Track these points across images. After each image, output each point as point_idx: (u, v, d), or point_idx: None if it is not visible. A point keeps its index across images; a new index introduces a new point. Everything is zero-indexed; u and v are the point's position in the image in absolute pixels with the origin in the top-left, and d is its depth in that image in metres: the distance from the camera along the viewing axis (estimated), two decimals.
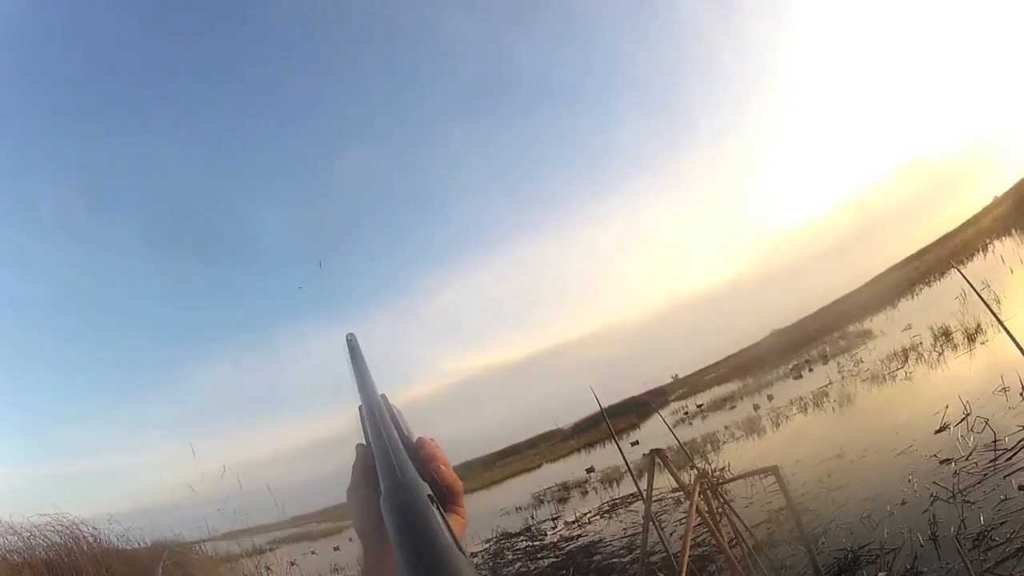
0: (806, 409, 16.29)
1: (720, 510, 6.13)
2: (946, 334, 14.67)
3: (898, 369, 14.93)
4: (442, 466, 0.85)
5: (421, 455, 0.86)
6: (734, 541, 6.08)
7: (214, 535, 12.23)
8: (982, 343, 12.93)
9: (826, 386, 17.57)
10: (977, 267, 22.00)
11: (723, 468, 12.31)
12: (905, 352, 15.70)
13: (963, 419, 9.04)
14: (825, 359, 24.09)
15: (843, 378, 17.75)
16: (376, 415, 0.91)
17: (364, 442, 0.92)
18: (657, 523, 5.04)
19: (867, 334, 24.60)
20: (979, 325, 13.50)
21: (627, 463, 7.24)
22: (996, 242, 24.71)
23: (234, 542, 12.53)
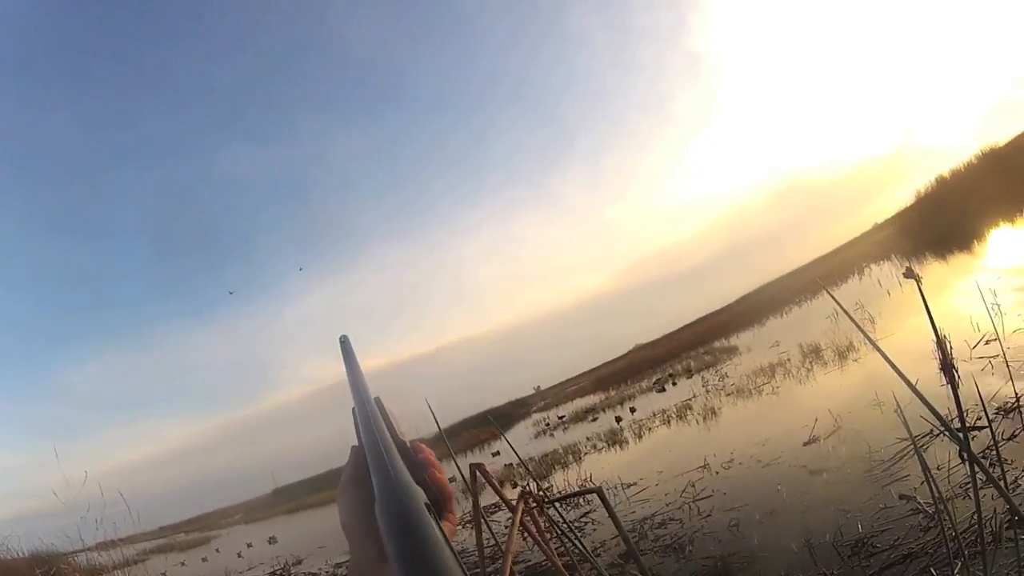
0: (669, 422, 16.31)
1: (547, 527, 5.74)
2: (815, 351, 15.02)
3: (764, 384, 15.15)
4: (436, 471, 0.87)
5: (415, 459, 0.87)
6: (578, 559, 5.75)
7: (87, 546, 12.02)
8: (854, 360, 13.25)
9: (690, 399, 17.72)
10: (852, 289, 23.02)
11: (548, 487, 12.10)
12: (772, 368, 15.99)
13: (834, 432, 9.07)
14: (690, 373, 24.56)
15: (707, 392, 17.94)
16: (370, 418, 0.90)
17: (357, 444, 0.93)
18: (493, 538, 4.74)
19: (733, 350, 25.30)
20: (851, 343, 13.87)
21: (462, 475, 6.95)
22: (874, 266, 25.99)
23: (106, 553, 12.02)
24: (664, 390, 23.77)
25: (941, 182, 27.91)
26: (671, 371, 28.14)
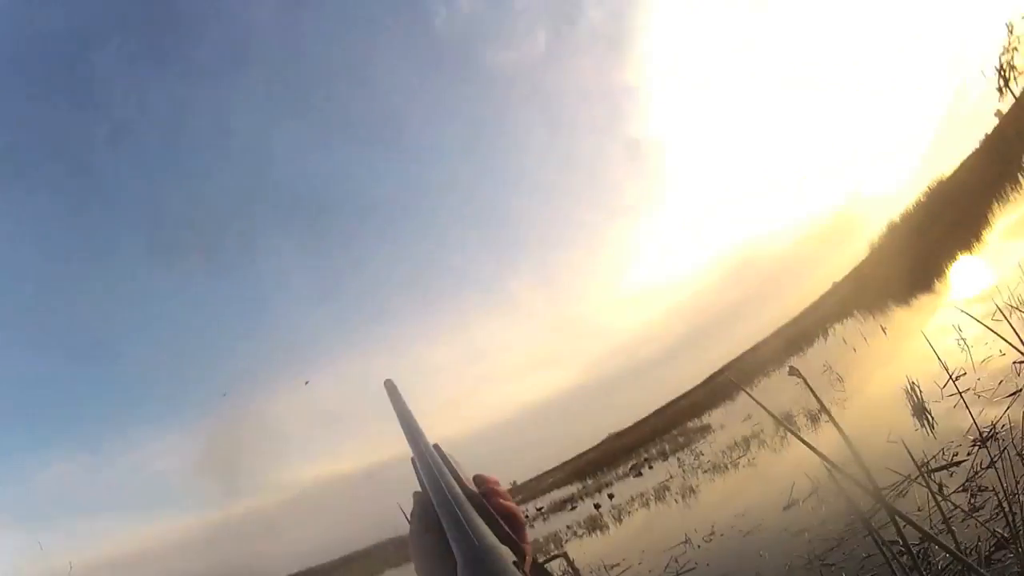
0: (648, 504, 16.13)
1: None
2: (787, 418, 14.95)
3: (740, 457, 15.01)
4: (504, 500, 0.86)
5: (481, 491, 0.86)
6: None
7: None
8: (826, 422, 13.14)
9: (667, 480, 17.57)
10: (818, 350, 23.17)
11: None
12: (746, 440, 15.90)
13: (812, 492, 8.91)
14: (665, 456, 24.44)
15: (684, 472, 17.79)
16: (435, 471, 0.87)
17: (421, 491, 0.91)
18: None
19: (707, 428, 25.27)
20: (826, 407, 13.81)
21: None
22: (837, 325, 26.25)
23: None
24: (641, 474, 23.57)
25: (892, 228, 28.43)
26: (646, 455, 27.99)
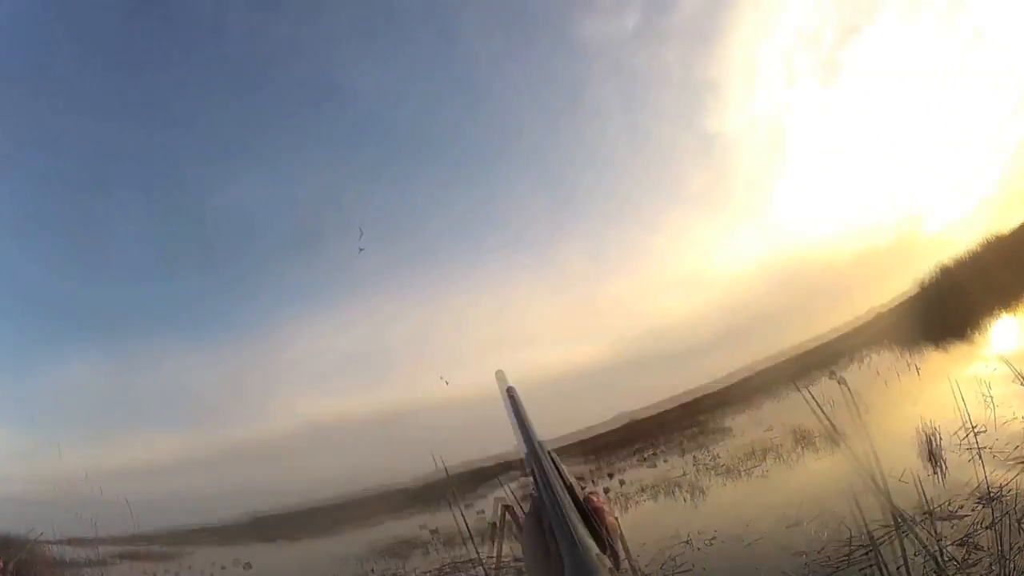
0: (656, 496, 16.15)
1: None
2: (806, 437, 14.98)
3: (755, 467, 15.05)
4: (608, 515, 0.98)
5: (588, 508, 0.95)
6: None
7: (59, 538, 12.26)
8: (844, 447, 13.19)
9: (679, 476, 17.54)
10: (851, 376, 22.96)
11: None
12: (764, 451, 15.89)
13: (817, 516, 9.03)
14: (682, 451, 24.32)
15: (697, 470, 17.78)
16: (551, 479, 0.96)
17: (536, 495, 1.00)
18: None
19: (726, 430, 25.07)
20: (842, 431, 13.86)
21: (467, 528, 7.13)
22: (873, 354, 25.96)
23: (79, 549, 12.62)
24: (655, 466, 23.51)
25: (944, 271, 27.91)
26: (662, 447, 27.88)
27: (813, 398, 8.32)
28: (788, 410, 23.92)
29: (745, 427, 23.93)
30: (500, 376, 1.24)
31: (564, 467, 1.06)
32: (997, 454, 6.69)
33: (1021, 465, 5.99)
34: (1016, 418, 7.57)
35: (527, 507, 1.01)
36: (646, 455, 26.76)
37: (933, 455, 8.07)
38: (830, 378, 24.70)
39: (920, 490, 5.76)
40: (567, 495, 0.95)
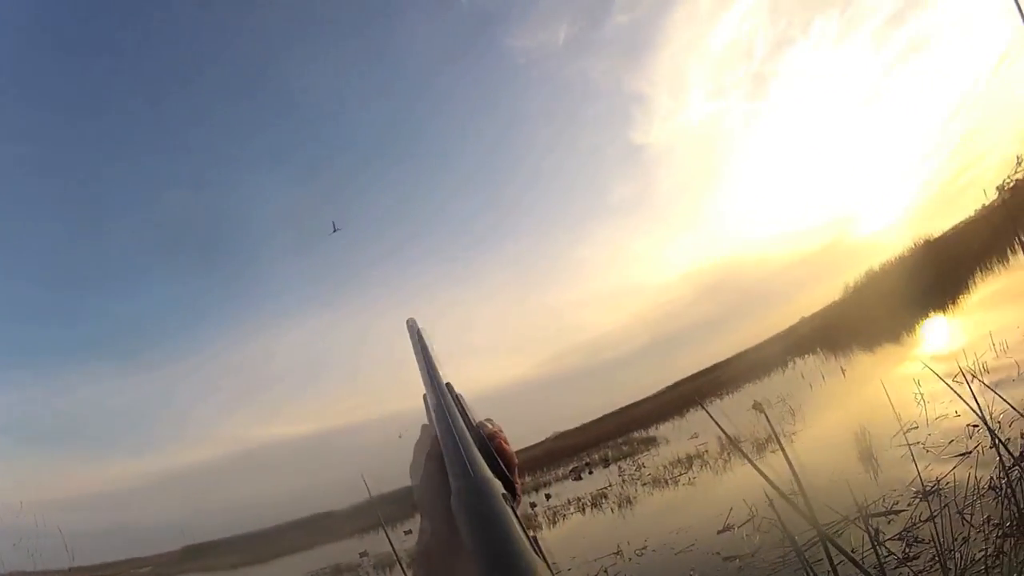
0: (584, 509, 16.17)
1: None
2: (733, 443, 15.09)
3: (681, 474, 15.13)
4: (503, 442, 0.90)
5: (483, 433, 0.89)
6: None
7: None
8: (772, 451, 13.30)
9: (606, 488, 17.63)
10: (775, 382, 23.47)
11: None
12: (690, 458, 16.03)
13: (749, 520, 9.01)
14: (607, 462, 24.54)
15: (624, 481, 17.87)
16: (443, 407, 0.91)
17: (429, 423, 0.96)
18: None
19: (652, 441, 25.44)
20: (771, 435, 14.02)
21: (395, 552, 6.98)
22: (799, 359, 26.63)
23: None
24: (581, 478, 23.65)
25: (871, 275, 28.75)
26: (588, 460, 28.08)
27: (763, 410, 8.30)
28: (715, 416, 24.30)
29: (670, 436, 24.28)
30: (411, 323, 1.12)
31: (468, 404, 0.97)
32: (931, 449, 6.75)
33: (958, 458, 6.01)
34: (949, 414, 7.67)
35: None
36: (573, 468, 26.93)
37: (866, 454, 8.13)
38: (756, 384, 25.27)
39: (850, 489, 5.70)
40: (464, 426, 0.87)
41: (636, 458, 22.25)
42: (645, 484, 16.01)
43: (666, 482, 15.12)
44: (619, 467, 21.56)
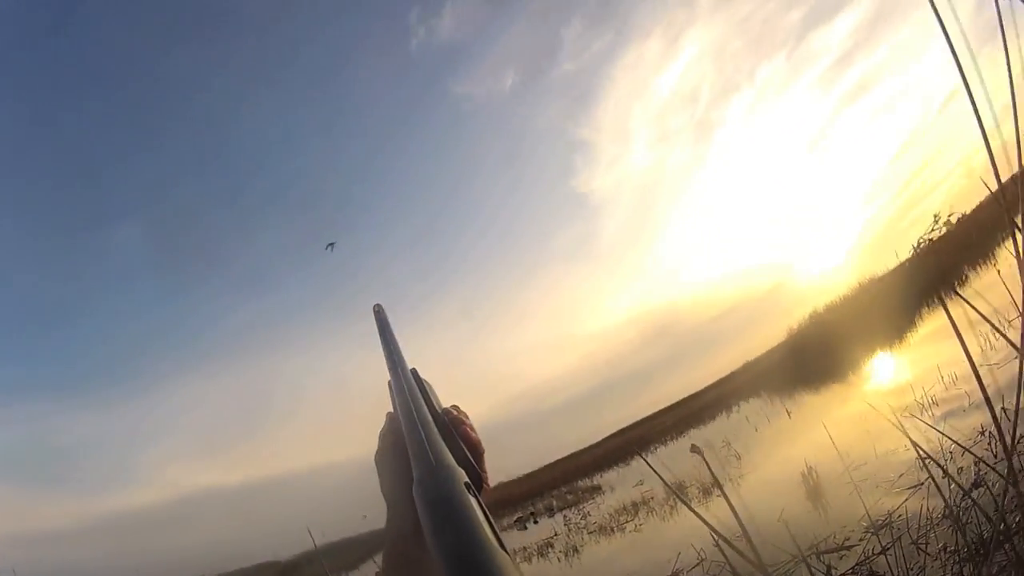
0: (530, 558, 15.93)
1: None
2: (680, 487, 15.07)
3: (627, 521, 15.01)
4: (468, 429, 0.91)
5: (448, 420, 0.90)
6: None
7: None
8: (718, 496, 13.28)
9: (552, 537, 17.44)
10: (720, 425, 23.65)
11: None
12: (635, 505, 15.95)
13: (697, 564, 8.94)
14: (552, 511, 24.37)
15: (569, 530, 17.70)
16: (407, 394, 0.90)
17: (393, 411, 0.95)
18: None
19: (596, 488, 25.33)
20: (717, 479, 14.00)
21: None
22: (743, 402, 26.87)
23: None
24: (526, 528, 23.43)
25: (815, 316, 29.21)
26: (533, 509, 27.86)
27: (701, 453, 8.28)
28: (657, 464, 24.38)
29: (614, 483, 24.26)
30: (378, 308, 1.09)
31: (433, 390, 0.98)
32: (881, 484, 6.77)
33: (909, 491, 6.02)
34: (899, 448, 7.72)
35: None
36: (518, 519, 26.70)
37: (812, 493, 8.14)
38: (701, 428, 25.38)
39: (802, 528, 5.67)
40: (428, 413, 0.87)
41: (582, 506, 22.13)
42: (591, 532, 15.84)
43: (612, 529, 14.97)
44: (564, 516, 21.41)
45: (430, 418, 0.84)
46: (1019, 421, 1.91)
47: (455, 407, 0.98)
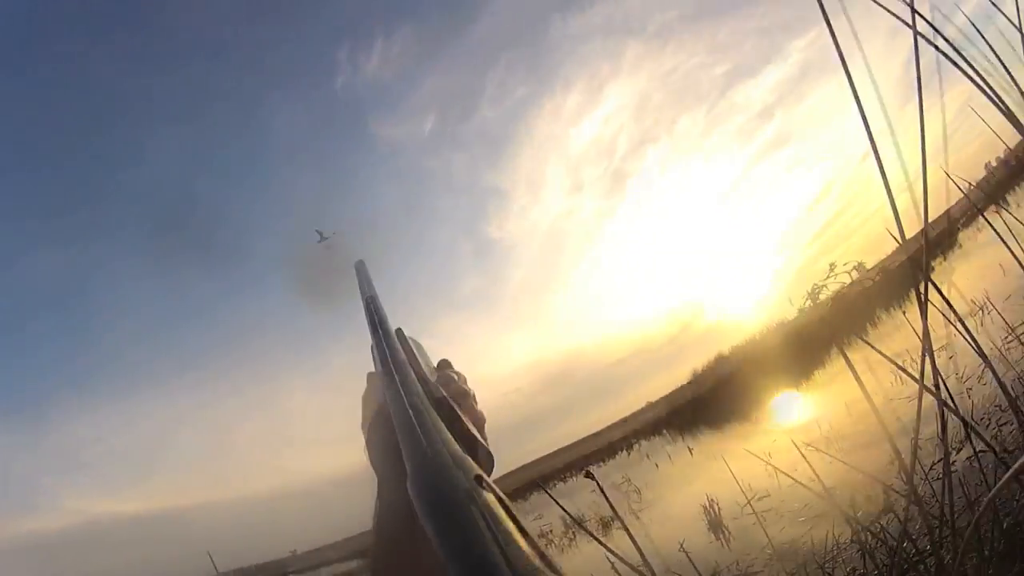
0: None
1: None
2: (578, 523, 15.06)
3: None
4: (472, 401, 0.79)
5: (448, 393, 0.74)
6: None
7: None
8: (617, 528, 13.33)
9: None
10: (620, 463, 23.85)
11: None
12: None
13: None
14: None
15: None
16: (390, 364, 0.75)
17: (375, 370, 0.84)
18: None
19: None
20: (614, 507, 14.07)
21: None
22: (644, 441, 27.20)
23: None
24: None
25: (720, 358, 29.80)
26: None
27: (593, 477, 8.29)
28: (558, 498, 24.41)
29: None
30: (359, 264, 1.00)
31: (421, 349, 0.85)
32: (786, 514, 6.89)
33: (815, 519, 6.15)
34: (803, 480, 7.85)
35: None
36: None
37: (714, 524, 8.26)
38: (601, 466, 25.58)
39: (689, 560, 5.69)
40: (420, 387, 0.70)
41: None
42: None
43: None
44: None
45: (422, 395, 0.69)
46: (921, 449, 1.95)
47: (447, 363, 0.87)
